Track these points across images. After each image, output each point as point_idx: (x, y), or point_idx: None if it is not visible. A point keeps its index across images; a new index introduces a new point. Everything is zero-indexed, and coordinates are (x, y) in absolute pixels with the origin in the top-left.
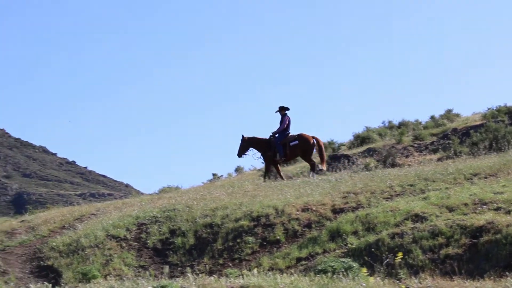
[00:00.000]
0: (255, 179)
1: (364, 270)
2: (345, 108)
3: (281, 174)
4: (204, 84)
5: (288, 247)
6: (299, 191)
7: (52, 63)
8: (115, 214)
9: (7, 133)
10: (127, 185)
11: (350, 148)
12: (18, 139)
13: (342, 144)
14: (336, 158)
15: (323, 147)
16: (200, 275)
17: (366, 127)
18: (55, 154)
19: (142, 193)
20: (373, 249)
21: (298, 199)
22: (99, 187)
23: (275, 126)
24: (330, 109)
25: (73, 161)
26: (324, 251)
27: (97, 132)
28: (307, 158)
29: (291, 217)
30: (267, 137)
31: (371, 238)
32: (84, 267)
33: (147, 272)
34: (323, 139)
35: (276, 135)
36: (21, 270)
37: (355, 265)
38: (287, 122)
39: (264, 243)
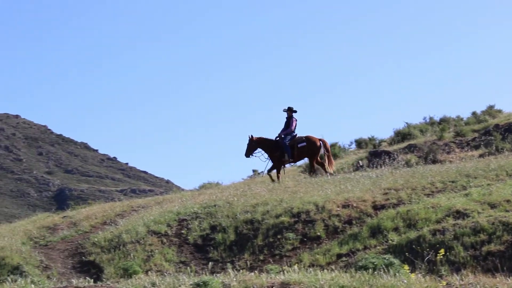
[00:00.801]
0: (296, 176)
1: (405, 266)
2: (386, 104)
3: (280, 176)
4: (246, 81)
5: (328, 244)
6: (340, 187)
7: (93, 61)
8: (156, 210)
9: (49, 129)
10: (167, 181)
11: (391, 144)
12: (60, 135)
13: (382, 140)
14: (377, 154)
15: (330, 150)
16: (241, 271)
17: (407, 123)
18: (96, 151)
19: (183, 189)
20: (414, 246)
21: (338, 195)
22: (140, 183)
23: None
24: (371, 105)
25: (114, 157)
26: (365, 248)
27: (139, 129)
28: (313, 161)
29: (331, 214)
30: (274, 138)
31: (412, 234)
32: (125, 262)
33: (188, 268)
34: (364, 135)
35: (282, 136)
36: (63, 265)
37: (396, 261)
38: (294, 124)
39: (305, 239)
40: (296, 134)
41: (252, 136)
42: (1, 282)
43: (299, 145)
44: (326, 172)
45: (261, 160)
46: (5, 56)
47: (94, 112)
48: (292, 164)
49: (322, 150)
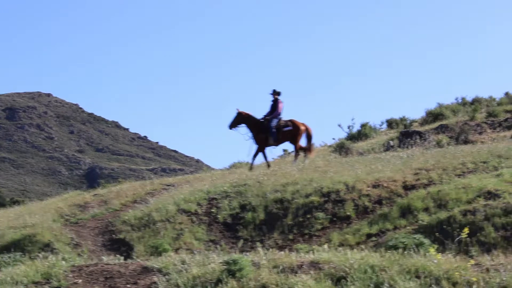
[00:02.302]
0: (326, 155)
1: (435, 246)
2: (418, 85)
3: (255, 161)
4: (278, 62)
5: (358, 223)
6: (370, 167)
7: (124, 40)
8: (186, 188)
9: (81, 108)
10: (197, 160)
11: (422, 124)
12: (91, 114)
13: (414, 121)
14: (408, 134)
15: (312, 136)
16: (270, 250)
17: (439, 103)
18: (127, 129)
19: (213, 169)
20: (444, 226)
21: (369, 175)
22: (170, 162)
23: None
24: (403, 86)
25: (145, 136)
26: (395, 228)
27: (169, 108)
28: (296, 145)
29: (361, 193)
30: (260, 118)
31: (443, 215)
32: (155, 240)
33: (218, 246)
34: (395, 115)
35: (268, 118)
36: (93, 243)
37: (426, 241)
38: (281, 107)
39: (334, 219)
40: (281, 117)
41: (240, 111)
42: (32, 259)
43: (284, 129)
44: (297, 157)
45: (244, 138)
46: (37, 35)
47: (125, 90)
48: (274, 147)
49: (303, 136)
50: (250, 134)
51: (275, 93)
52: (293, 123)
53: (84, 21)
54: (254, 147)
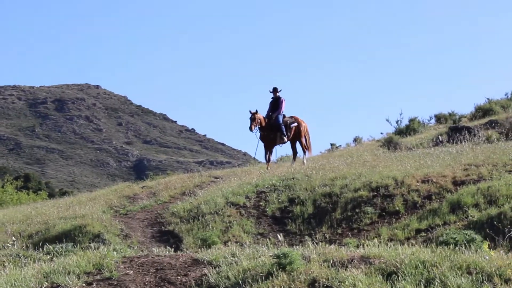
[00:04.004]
0: (374, 150)
1: (487, 243)
2: (467, 80)
3: (270, 158)
4: (329, 53)
5: (407, 218)
6: (419, 162)
7: (172, 33)
8: (234, 181)
9: (129, 100)
10: (245, 153)
11: (471, 120)
12: (140, 106)
13: (463, 116)
14: (457, 130)
15: (309, 133)
16: (319, 244)
17: (488, 98)
18: (175, 122)
19: (260, 162)
20: (494, 222)
21: (418, 170)
22: (218, 155)
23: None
24: (452, 81)
25: (193, 129)
26: (444, 223)
27: (217, 101)
28: (298, 142)
29: (410, 188)
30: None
31: (493, 211)
32: (204, 233)
33: (267, 239)
34: (444, 110)
35: (273, 116)
36: (142, 234)
37: (478, 237)
38: (284, 105)
39: (383, 213)
40: (284, 114)
41: (253, 112)
42: (83, 249)
43: (291, 125)
44: (294, 159)
45: (256, 137)
46: (87, 28)
47: (173, 83)
48: (281, 145)
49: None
50: (259, 133)
51: (276, 91)
52: (296, 119)
53: (133, 14)
54: (263, 146)
